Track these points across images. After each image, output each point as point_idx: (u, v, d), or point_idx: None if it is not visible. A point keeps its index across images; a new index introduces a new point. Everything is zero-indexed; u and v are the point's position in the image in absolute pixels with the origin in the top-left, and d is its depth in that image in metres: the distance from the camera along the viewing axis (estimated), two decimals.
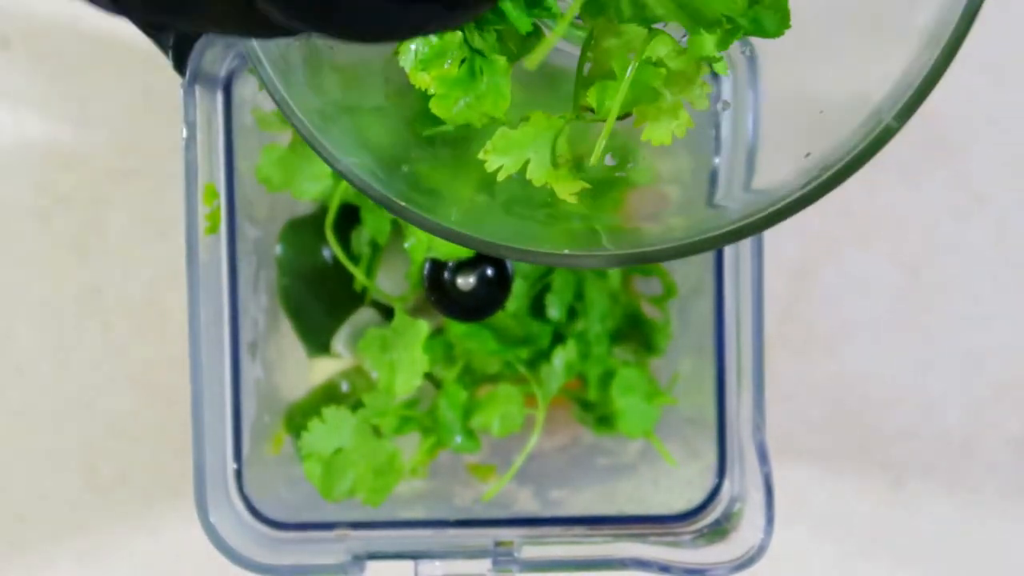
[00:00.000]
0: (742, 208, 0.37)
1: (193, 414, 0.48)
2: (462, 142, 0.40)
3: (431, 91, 0.38)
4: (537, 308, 0.51)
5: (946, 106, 0.60)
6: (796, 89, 0.38)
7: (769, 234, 0.49)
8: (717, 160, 0.44)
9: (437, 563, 0.48)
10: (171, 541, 0.61)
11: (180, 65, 0.47)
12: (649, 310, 0.54)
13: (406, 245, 0.49)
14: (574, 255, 0.36)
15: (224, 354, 0.50)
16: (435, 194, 0.40)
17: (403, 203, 0.36)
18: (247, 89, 0.50)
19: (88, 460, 0.61)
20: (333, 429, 0.49)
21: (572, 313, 0.52)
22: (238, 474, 0.50)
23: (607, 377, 0.51)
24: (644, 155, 0.43)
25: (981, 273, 0.61)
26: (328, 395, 0.54)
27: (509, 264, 0.50)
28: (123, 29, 0.48)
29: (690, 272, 0.53)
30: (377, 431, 0.50)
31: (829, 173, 0.34)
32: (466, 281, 0.50)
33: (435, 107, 0.38)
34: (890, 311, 0.61)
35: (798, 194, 0.34)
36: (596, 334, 0.51)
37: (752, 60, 0.43)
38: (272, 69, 0.35)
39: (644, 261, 0.36)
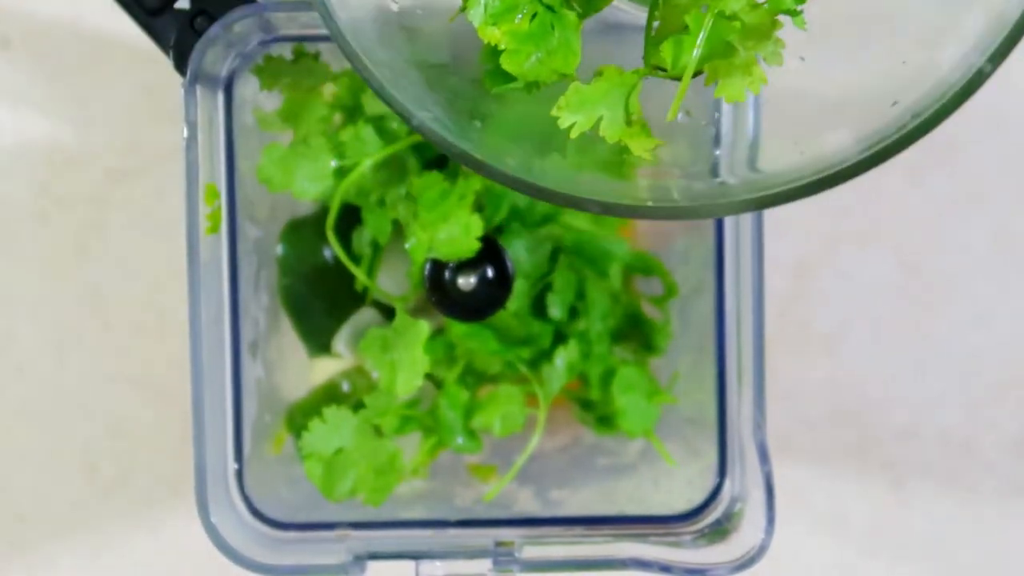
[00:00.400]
0: (744, 184, 0.37)
1: (194, 414, 0.48)
2: (532, 100, 0.39)
3: (501, 46, 0.37)
4: (538, 307, 0.52)
5: None
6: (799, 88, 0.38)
7: (769, 234, 0.49)
8: (718, 152, 0.44)
9: (438, 563, 0.48)
10: (172, 541, 0.61)
11: (181, 65, 0.47)
12: (649, 310, 0.54)
13: (407, 245, 0.49)
14: (649, 207, 0.35)
15: (225, 354, 0.50)
16: (506, 150, 0.39)
17: (480, 157, 0.35)
18: (248, 89, 0.50)
19: (88, 460, 0.61)
20: (334, 429, 0.49)
21: (573, 312, 0.52)
22: (239, 474, 0.50)
23: (608, 376, 0.51)
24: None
25: (981, 273, 0.61)
26: (329, 395, 0.54)
27: (510, 264, 0.50)
28: (124, 29, 0.48)
29: (690, 272, 0.53)
30: (378, 431, 0.50)
31: (919, 120, 0.33)
32: (467, 281, 0.50)
33: (506, 63, 0.37)
34: (890, 311, 0.61)
35: (883, 144, 0.33)
36: (598, 333, 0.51)
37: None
38: (342, 25, 0.35)
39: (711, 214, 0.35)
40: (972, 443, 0.61)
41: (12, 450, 0.61)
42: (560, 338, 0.52)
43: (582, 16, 0.39)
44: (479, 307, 0.50)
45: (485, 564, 0.48)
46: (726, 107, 0.44)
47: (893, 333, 0.61)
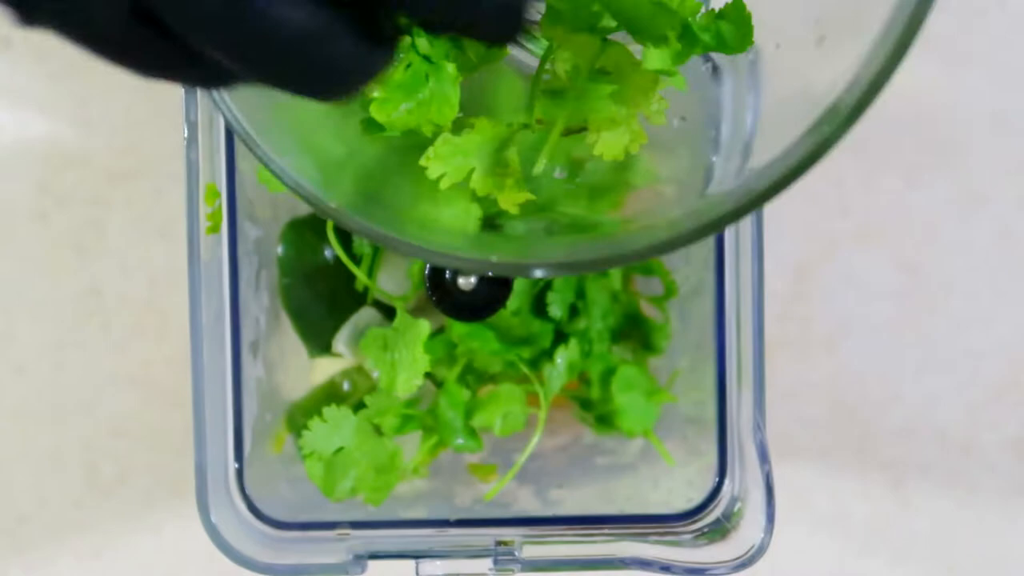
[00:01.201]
0: (734, 192, 0.37)
1: (194, 413, 0.48)
2: (413, 151, 0.38)
3: (373, 94, 0.37)
4: (538, 307, 0.52)
5: (946, 106, 0.61)
6: (800, 90, 0.38)
7: (769, 234, 0.49)
8: (715, 159, 0.44)
9: (438, 562, 0.48)
10: (172, 540, 0.61)
11: None
12: (648, 309, 0.54)
13: None
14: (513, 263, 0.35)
15: (225, 353, 0.50)
16: (389, 206, 0.38)
17: (356, 216, 0.34)
18: None
19: (89, 460, 0.61)
20: (334, 428, 0.49)
21: (573, 311, 0.52)
22: (239, 473, 0.50)
23: (609, 375, 0.51)
24: (643, 158, 0.43)
25: (981, 273, 0.61)
26: (329, 394, 0.54)
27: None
28: None
29: (690, 272, 0.53)
30: (378, 430, 0.50)
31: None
32: (467, 280, 0.50)
33: (375, 111, 0.37)
34: (890, 311, 0.61)
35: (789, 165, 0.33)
36: (598, 331, 0.51)
37: (754, 63, 0.43)
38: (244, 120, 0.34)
39: (639, 259, 0.35)
40: (971, 443, 0.61)
41: (13, 450, 0.61)
42: (560, 337, 0.52)
43: (476, 66, 0.38)
44: (479, 307, 0.50)
45: (485, 563, 0.48)
46: (727, 110, 0.44)
47: (893, 333, 0.61)
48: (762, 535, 0.47)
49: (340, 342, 0.53)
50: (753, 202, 0.32)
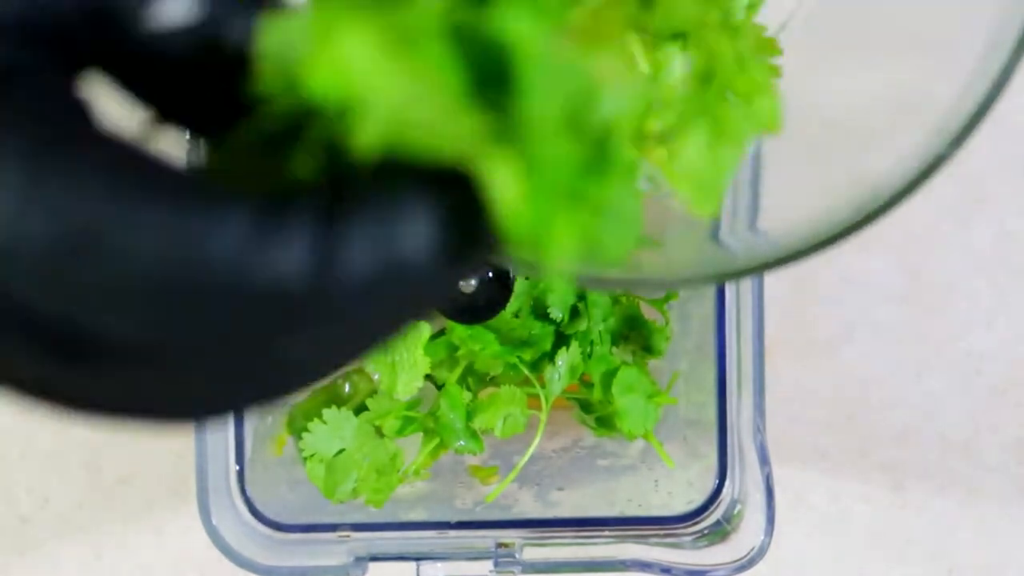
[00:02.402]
0: (748, 250, 0.36)
1: None
2: None
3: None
4: (539, 308, 0.52)
5: None
6: (808, 104, 0.38)
7: None
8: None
9: (439, 564, 0.48)
10: (174, 542, 0.61)
11: None
12: (649, 312, 0.54)
13: None
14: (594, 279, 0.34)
15: None
16: None
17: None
18: None
19: (91, 461, 0.61)
20: (335, 430, 0.50)
21: (574, 313, 0.52)
22: (240, 475, 0.50)
23: (611, 376, 0.52)
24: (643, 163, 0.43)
25: (981, 275, 0.61)
26: (330, 396, 0.54)
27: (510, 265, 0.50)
28: None
29: None
30: (379, 431, 0.50)
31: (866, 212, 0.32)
32: (467, 282, 0.50)
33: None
34: (890, 312, 0.61)
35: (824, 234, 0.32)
36: (599, 333, 0.51)
37: None
38: None
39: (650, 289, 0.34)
40: (972, 445, 0.61)
41: (15, 451, 0.61)
42: (561, 340, 0.52)
43: None
44: (480, 309, 0.50)
45: (486, 565, 0.48)
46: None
47: (894, 335, 0.61)
48: (762, 537, 0.47)
49: None
50: (770, 265, 0.32)
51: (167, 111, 0.24)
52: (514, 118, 0.20)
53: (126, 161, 0.21)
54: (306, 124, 0.21)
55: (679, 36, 0.34)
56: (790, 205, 0.36)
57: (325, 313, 0.20)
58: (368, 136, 0.20)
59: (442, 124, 0.20)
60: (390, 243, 0.20)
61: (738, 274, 0.33)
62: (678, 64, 0.33)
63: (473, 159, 0.20)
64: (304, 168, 0.21)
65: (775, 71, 0.35)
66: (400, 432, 0.50)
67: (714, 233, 0.42)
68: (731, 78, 0.33)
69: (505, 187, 0.20)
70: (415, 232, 0.20)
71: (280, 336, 0.20)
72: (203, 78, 0.22)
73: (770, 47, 0.35)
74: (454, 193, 0.20)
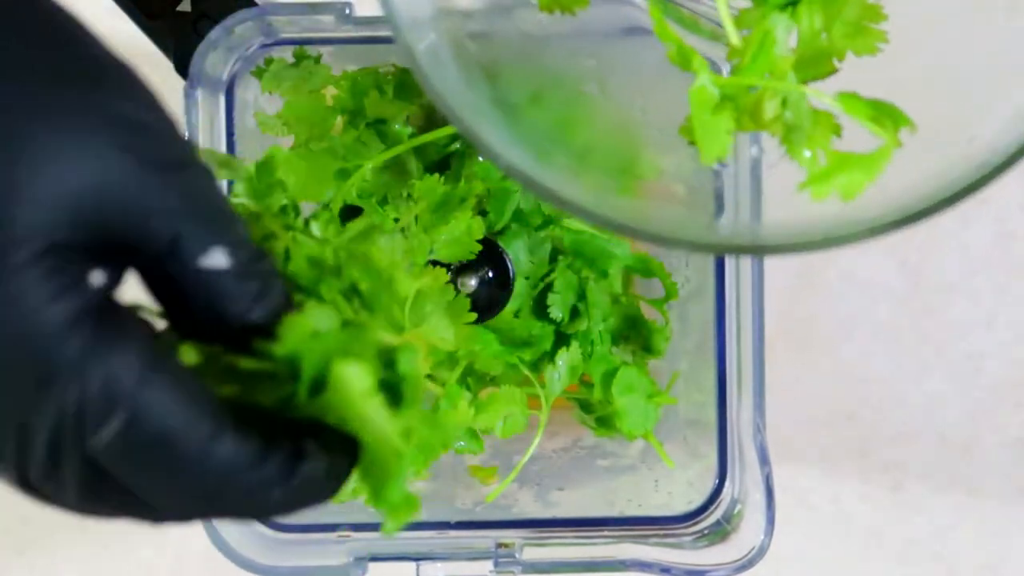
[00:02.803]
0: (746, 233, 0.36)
1: None
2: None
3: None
4: (539, 308, 0.52)
5: None
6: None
7: None
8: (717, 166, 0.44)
9: (439, 564, 0.48)
10: (174, 542, 0.61)
11: (182, 68, 0.47)
12: (649, 312, 0.54)
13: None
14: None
15: None
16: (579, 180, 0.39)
17: (566, 195, 0.35)
18: (249, 92, 0.50)
19: None
20: None
21: (574, 313, 0.52)
22: None
23: (610, 376, 0.52)
24: (645, 154, 0.43)
25: (982, 274, 0.61)
26: None
27: (510, 265, 0.50)
28: (124, 30, 0.48)
29: (691, 274, 0.53)
30: None
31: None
32: (468, 283, 0.50)
33: None
34: (890, 312, 0.61)
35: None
36: (599, 332, 0.52)
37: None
38: (429, 70, 0.35)
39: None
40: (972, 444, 0.62)
41: None
42: (561, 339, 0.52)
43: None
44: (480, 309, 0.50)
45: (486, 566, 0.48)
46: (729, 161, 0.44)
47: (894, 334, 0.61)
48: (762, 537, 0.47)
49: None
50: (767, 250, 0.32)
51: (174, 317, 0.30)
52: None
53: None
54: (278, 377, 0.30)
55: (788, 4, 0.35)
56: (789, 203, 0.36)
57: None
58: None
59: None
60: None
61: (737, 250, 0.34)
62: (783, 32, 0.35)
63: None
64: (265, 399, 0.30)
65: (882, 36, 0.36)
66: None
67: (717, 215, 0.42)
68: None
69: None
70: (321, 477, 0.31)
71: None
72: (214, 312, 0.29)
73: (875, 13, 0.36)
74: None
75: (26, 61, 0.27)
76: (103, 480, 0.29)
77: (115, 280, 0.29)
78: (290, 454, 0.30)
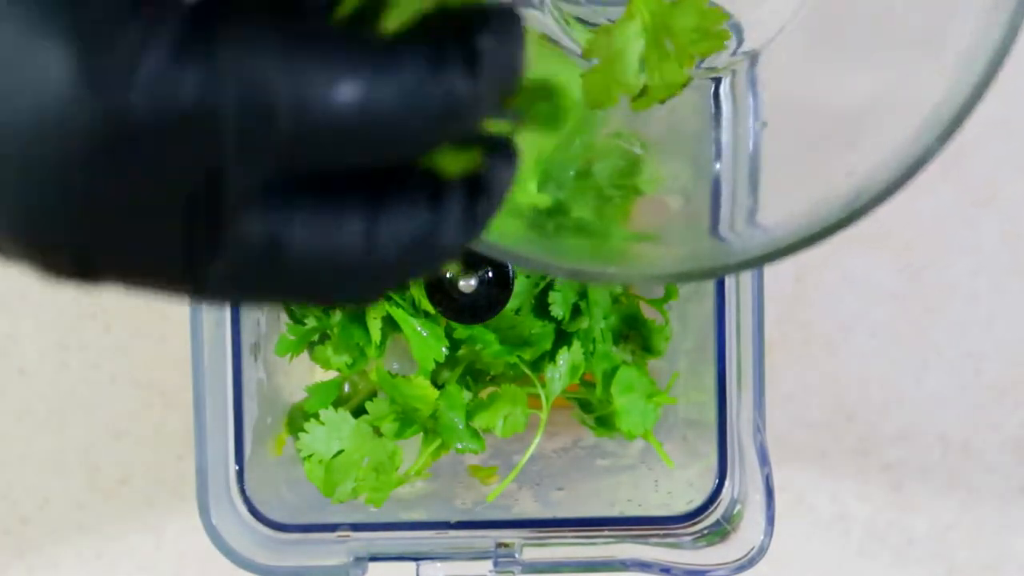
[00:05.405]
0: (746, 244, 0.37)
1: (195, 415, 0.48)
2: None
3: None
4: (540, 307, 0.52)
5: None
6: (805, 100, 0.38)
7: None
8: (718, 166, 0.44)
9: (439, 564, 0.48)
10: (173, 542, 0.61)
11: None
12: (649, 312, 0.54)
13: None
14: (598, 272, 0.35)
15: (226, 356, 0.50)
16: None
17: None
18: None
19: (90, 461, 0.61)
20: (333, 431, 0.50)
21: (575, 311, 0.52)
22: (240, 475, 0.50)
23: (611, 375, 0.52)
24: (649, 162, 0.43)
25: (980, 274, 0.61)
26: (329, 397, 0.54)
27: (510, 266, 0.50)
28: None
29: None
30: (378, 430, 0.50)
31: (862, 201, 0.33)
32: (467, 283, 0.50)
33: None
34: (890, 312, 0.61)
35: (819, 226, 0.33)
36: (601, 331, 0.51)
37: (752, 64, 0.43)
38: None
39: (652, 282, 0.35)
40: (972, 444, 0.62)
41: (15, 452, 0.61)
42: (562, 338, 0.52)
43: None
44: (480, 309, 0.50)
45: (486, 565, 0.48)
46: (725, 158, 0.44)
47: (893, 335, 0.61)
48: (762, 537, 0.47)
49: None
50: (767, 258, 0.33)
51: None
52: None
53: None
54: None
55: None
56: (788, 200, 0.36)
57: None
58: None
59: None
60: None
61: (736, 267, 0.34)
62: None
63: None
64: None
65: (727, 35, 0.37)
66: (399, 435, 0.50)
67: (713, 228, 0.42)
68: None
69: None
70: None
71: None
72: None
73: (716, 16, 0.37)
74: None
75: None
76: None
77: None
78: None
